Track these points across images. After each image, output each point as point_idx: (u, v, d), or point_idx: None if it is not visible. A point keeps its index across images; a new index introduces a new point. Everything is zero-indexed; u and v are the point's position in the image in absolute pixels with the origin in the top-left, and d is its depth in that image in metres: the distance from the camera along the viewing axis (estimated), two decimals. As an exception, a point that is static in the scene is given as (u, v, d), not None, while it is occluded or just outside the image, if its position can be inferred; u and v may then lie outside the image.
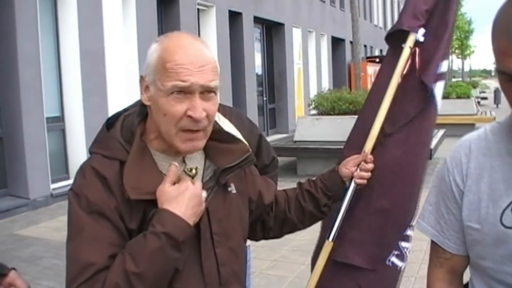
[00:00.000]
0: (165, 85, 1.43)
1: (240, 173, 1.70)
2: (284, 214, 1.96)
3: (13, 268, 2.05)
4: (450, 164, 1.54)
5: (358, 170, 2.05)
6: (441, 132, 11.99)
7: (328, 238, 2.11)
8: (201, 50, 1.47)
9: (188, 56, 1.44)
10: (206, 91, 1.46)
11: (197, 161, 1.61)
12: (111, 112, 1.71)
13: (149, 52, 1.50)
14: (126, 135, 1.54)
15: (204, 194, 1.49)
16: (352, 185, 2.05)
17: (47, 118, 8.77)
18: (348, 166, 2.05)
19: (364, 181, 2.06)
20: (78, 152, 9.16)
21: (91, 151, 1.55)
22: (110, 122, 1.60)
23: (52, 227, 7.08)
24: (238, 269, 1.66)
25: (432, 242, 1.62)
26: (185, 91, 1.43)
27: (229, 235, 1.62)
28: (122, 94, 9.90)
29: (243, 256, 1.72)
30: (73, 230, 1.43)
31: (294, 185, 2.08)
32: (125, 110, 1.64)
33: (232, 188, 1.67)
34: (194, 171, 1.57)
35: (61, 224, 6.96)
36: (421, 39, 2.19)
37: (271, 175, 2.69)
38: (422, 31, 2.20)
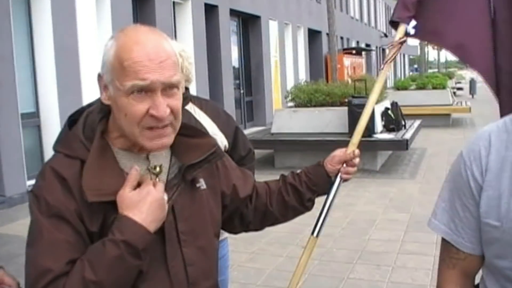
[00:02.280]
0: (124, 84, 1.36)
1: (211, 167, 1.63)
2: (265, 207, 1.88)
3: (0, 266, 2.02)
4: (468, 157, 1.42)
5: (345, 165, 1.97)
6: (417, 122, 12.13)
7: (312, 233, 2.02)
8: (159, 45, 1.39)
9: (146, 52, 1.35)
10: (168, 87, 1.39)
11: (162, 158, 1.54)
12: (87, 107, 1.66)
13: (105, 49, 1.42)
14: (87, 133, 1.47)
15: (165, 197, 1.44)
16: (338, 180, 1.98)
17: (22, 114, 8.66)
18: (333, 163, 1.95)
19: (350, 176, 1.98)
20: (54, 148, 9.04)
21: (54, 150, 1.50)
22: (73, 119, 1.53)
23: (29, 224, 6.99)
24: (208, 267, 1.61)
25: (444, 241, 1.51)
26: (145, 90, 1.36)
27: (197, 234, 1.56)
28: (96, 90, 9.78)
29: (214, 253, 1.67)
30: (32, 234, 1.40)
31: (272, 177, 2.02)
32: (88, 105, 1.58)
33: (202, 184, 1.61)
34: (158, 169, 1.50)
35: (38, 221, 6.86)
36: (412, 31, 2.15)
37: (247, 166, 2.70)
38: (413, 22, 2.15)
